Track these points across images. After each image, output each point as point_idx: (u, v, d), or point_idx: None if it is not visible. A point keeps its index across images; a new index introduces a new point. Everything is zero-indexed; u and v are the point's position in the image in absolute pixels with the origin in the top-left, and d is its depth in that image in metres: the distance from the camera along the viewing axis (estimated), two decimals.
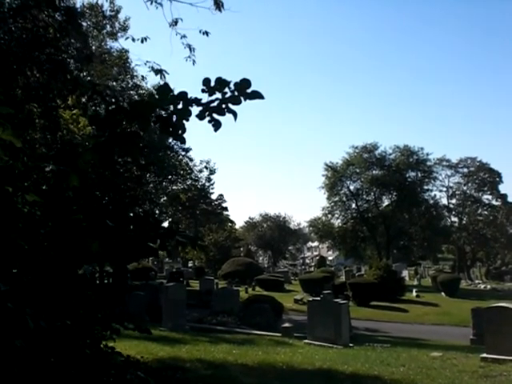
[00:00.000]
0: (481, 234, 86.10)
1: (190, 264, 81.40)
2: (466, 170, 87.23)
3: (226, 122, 3.22)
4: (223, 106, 3.13)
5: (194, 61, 13.33)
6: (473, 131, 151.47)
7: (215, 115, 3.15)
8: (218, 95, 3.13)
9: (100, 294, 4.13)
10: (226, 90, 3.11)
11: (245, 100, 3.14)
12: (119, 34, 29.71)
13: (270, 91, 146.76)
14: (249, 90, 3.12)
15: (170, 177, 44.47)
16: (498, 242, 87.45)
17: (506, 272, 79.04)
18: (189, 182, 49.72)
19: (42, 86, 15.54)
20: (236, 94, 3.11)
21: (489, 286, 60.28)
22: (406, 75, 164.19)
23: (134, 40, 14.87)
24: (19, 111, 4.07)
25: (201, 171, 50.90)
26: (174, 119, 3.12)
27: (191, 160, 47.72)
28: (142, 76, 33.06)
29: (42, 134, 17.59)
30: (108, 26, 29.01)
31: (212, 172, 52.17)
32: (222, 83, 3.08)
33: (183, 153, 45.05)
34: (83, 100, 19.11)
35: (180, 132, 3.15)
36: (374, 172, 79.06)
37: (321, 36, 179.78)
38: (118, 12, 29.49)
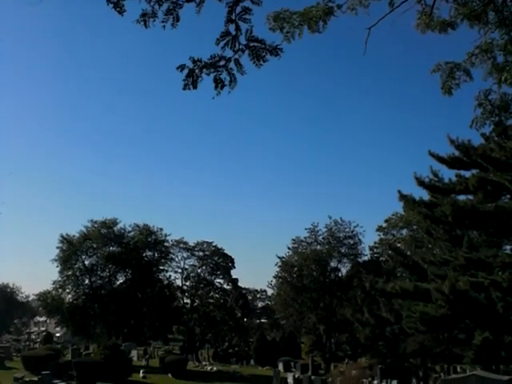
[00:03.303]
0: (211, 317, 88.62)
1: None
2: (201, 253, 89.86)
3: None
4: None
5: None
6: (211, 214, 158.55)
7: None
8: None
9: None
10: None
11: None
12: None
13: None
14: None
15: None
16: (227, 325, 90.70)
17: (232, 354, 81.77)
18: None
19: None
20: None
21: (215, 368, 61.61)
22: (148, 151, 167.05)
23: None
24: None
25: None
26: None
27: None
28: None
29: None
30: None
31: None
32: None
33: None
34: None
35: None
36: (111, 248, 78.22)
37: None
38: None
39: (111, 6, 7.13)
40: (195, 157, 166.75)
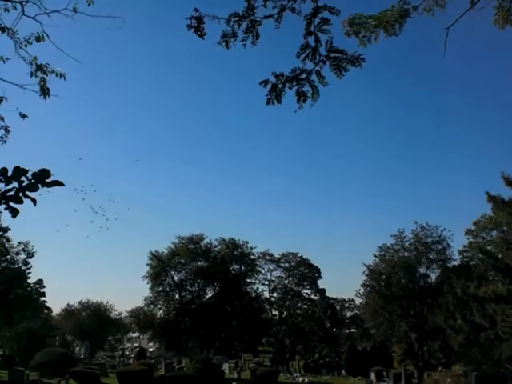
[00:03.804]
0: (300, 328, 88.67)
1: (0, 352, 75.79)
2: (287, 264, 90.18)
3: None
4: (20, 193, 3.14)
5: (5, 141, 13.05)
6: (295, 226, 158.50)
7: (11, 203, 3.14)
8: (15, 184, 3.14)
9: None
10: (24, 178, 3.13)
11: (42, 187, 3.17)
12: None
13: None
14: (49, 179, 3.16)
15: None
16: (316, 336, 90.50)
17: (323, 365, 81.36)
18: (4, 265, 47.13)
19: None
20: (34, 182, 3.13)
21: (307, 379, 61.51)
22: (229, 168, 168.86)
23: None
24: None
25: (18, 253, 48.54)
26: None
27: (8, 241, 45.48)
28: None
29: None
30: None
31: (30, 255, 49.91)
32: (18, 173, 3.10)
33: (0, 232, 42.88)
34: None
35: None
36: (199, 263, 79.72)
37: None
38: None
39: (192, 30, 7.47)
40: (280, 169, 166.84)
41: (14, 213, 3.21)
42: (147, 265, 78.82)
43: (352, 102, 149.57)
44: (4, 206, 3.18)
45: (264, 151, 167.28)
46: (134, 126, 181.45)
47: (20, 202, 3.17)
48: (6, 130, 12.74)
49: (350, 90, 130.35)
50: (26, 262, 51.30)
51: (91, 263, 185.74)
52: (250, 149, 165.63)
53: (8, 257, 46.77)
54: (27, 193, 3.17)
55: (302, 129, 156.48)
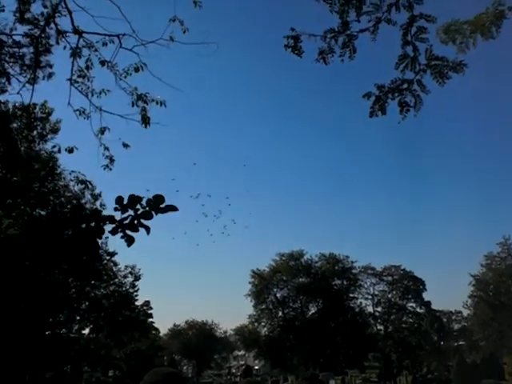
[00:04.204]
0: (406, 342, 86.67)
1: (111, 373, 78.11)
2: (390, 278, 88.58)
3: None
4: (135, 221, 3.21)
5: (110, 169, 13.60)
6: (397, 239, 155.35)
7: (128, 231, 3.22)
8: (131, 212, 3.22)
9: None
10: (138, 206, 3.20)
11: (156, 214, 3.23)
12: (49, 136, 29.68)
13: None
14: (162, 205, 3.23)
15: (92, 281, 43.47)
16: (423, 350, 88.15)
17: (431, 380, 79.20)
18: (112, 288, 48.69)
19: None
20: (148, 209, 3.20)
21: None
22: (328, 186, 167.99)
23: (59, 151, 15.03)
24: None
25: (125, 277, 50.07)
26: (87, 237, 3.18)
27: (116, 265, 47.00)
28: (66, 186, 32.75)
29: None
30: (38, 128, 28.95)
31: (137, 278, 51.36)
32: (134, 200, 3.18)
33: (108, 257, 44.37)
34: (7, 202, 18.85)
35: (92, 249, 3.20)
36: (300, 279, 79.67)
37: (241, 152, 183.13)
38: (49, 114, 29.50)
39: (289, 50, 7.53)
40: (380, 181, 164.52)
41: (130, 241, 3.29)
42: (249, 283, 79.70)
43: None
44: (120, 234, 3.26)
45: (365, 164, 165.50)
46: (239, 134, 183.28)
47: (136, 230, 3.25)
48: (111, 160, 13.26)
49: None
50: (133, 285, 52.86)
51: (196, 281, 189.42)
52: (352, 162, 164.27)
53: (116, 280, 48.30)
54: (142, 221, 3.24)
55: (403, 141, 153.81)
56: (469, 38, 8.31)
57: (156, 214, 3.22)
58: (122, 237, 3.25)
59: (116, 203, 3.22)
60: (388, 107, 7.75)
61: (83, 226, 3.25)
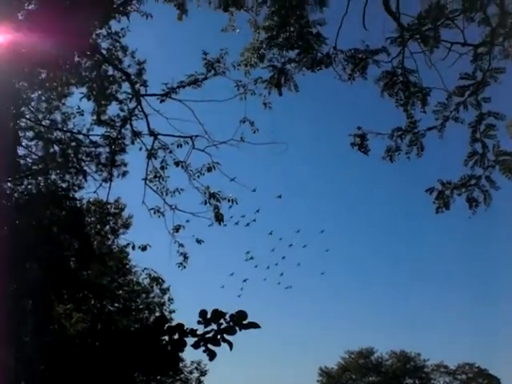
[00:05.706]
0: None
1: None
2: (464, 376, 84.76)
3: None
4: (218, 336, 3.16)
5: (184, 266, 13.84)
6: (470, 335, 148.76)
7: (210, 345, 3.16)
8: (214, 326, 3.17)
9: None
10: (222, 320, 3.15)
11: (240, 330, 3.17)
12: (120, 231, 30.28)
13: None
14: (245, 321, 3.17)
15: (158, 377, 43.03)
16: None
17: None
18: None
19: (39, 281, 15.72)
20: (231, 324, 3.15)
21: None
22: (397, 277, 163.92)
23: (133, 248, 15.47)
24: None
25: (191, 372, 49.32)
26: (169, 350, 3.14)
27: (182, 360, 46.42)
28: (138, 282, 33.11)
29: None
30: (111, 223, 29.60)
31: (203, 373, 50.52)
32: (217, 315, 3.14)
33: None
34: (78, 296, 19.22)
35: (174, 362, 3.15)
36: (370, 378, 77.27)
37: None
38: (122, 210, 30.24)
39: (355, 148, 7.62)
40: (450, 280, 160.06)
41: (212, 356, 3.24)
42: (317, 381, 77.89)
43: None
44: (202, 347, 3.22)
45: (432, 259, 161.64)
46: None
47: (218, 344, 3.20)
48: (185, 257, 13.47)
49: None
50: (198, 380, 52.03)
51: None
52: (419, 258, 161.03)
53: (182, 375, 47.70)
54: (225, 335, 3.19)
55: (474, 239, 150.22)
56: None
57: (240, 330, 3.16)
58: (204, 351, 3.20)
59: (199, 316, 3.19)
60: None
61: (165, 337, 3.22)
